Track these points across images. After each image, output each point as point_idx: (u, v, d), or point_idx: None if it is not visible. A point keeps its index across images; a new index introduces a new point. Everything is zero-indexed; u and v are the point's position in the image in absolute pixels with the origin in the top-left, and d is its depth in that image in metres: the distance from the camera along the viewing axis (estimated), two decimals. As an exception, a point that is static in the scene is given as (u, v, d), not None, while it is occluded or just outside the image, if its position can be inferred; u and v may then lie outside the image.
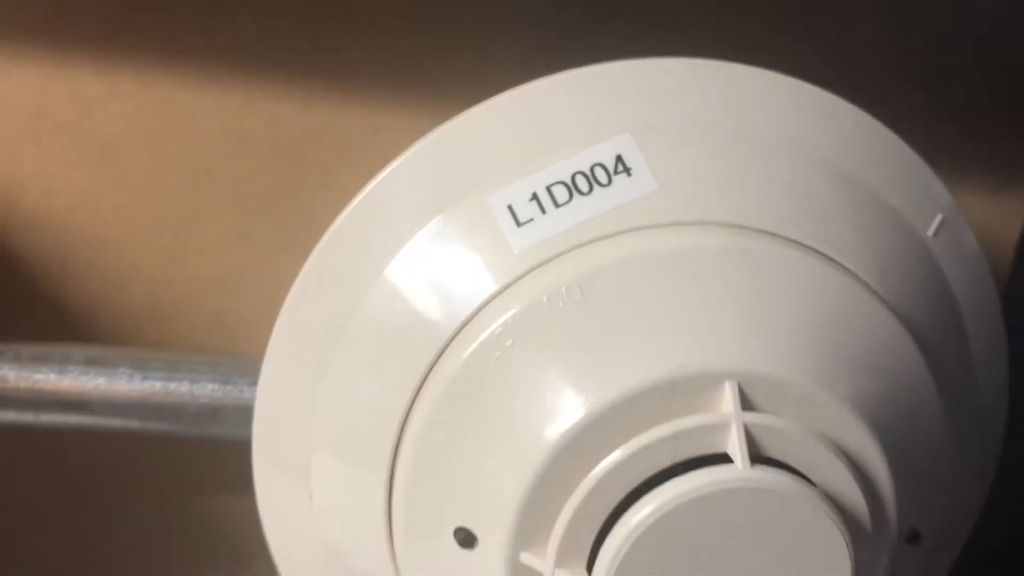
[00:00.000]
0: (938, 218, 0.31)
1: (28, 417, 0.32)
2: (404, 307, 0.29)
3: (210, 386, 0.33)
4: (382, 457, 0.29)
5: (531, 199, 0.28)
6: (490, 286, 0.27)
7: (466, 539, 0.27)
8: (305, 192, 0.36)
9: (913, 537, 0.29)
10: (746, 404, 0.25)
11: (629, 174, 0.28)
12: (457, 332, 0.28)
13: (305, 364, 0.30)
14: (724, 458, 0.25)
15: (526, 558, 0.26)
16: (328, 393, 0.30)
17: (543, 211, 0.28)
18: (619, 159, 0.28)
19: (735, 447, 0.25)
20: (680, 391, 0.25)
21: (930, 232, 0.31)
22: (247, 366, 0.33)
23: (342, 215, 0.30)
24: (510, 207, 0.28)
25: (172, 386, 0.33)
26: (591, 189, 0.28)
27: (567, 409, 0.25)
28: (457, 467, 0.27)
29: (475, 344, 0.27)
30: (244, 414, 0.33)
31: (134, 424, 0.33)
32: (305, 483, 0.31)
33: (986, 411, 0.32)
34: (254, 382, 0.32)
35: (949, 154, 0.33)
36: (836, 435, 0.26)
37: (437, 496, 0.28)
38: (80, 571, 0.39)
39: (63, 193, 0.35)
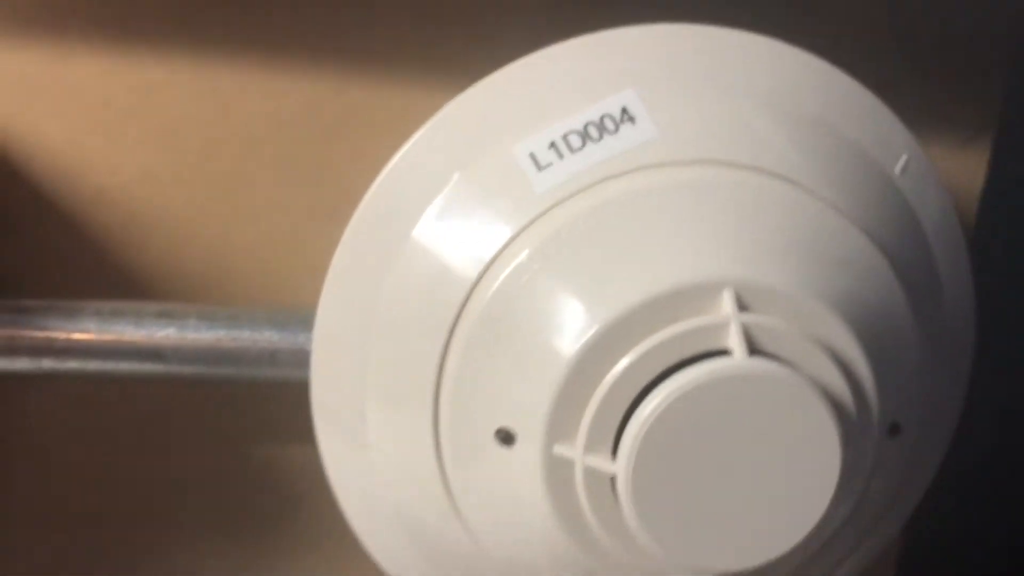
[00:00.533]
0: (903, 158, 0.35)
1: (109, 366, 0.36)
2: (432, 261, 0.33)
3: (268, 332, 0.37)
4: (429, 379, 0.33)
5: (550, 147, 0.32)
6: (518, 222, 0.31)
7: (506, 438, 0.31)
8: (342, 164, 0.40)
9: (894, 429, 0.33)
10: (742, 307, 0.30)
11: (633, 123, 0.32)
12: (488, 267, 0.32)
13: (353, 316, 0.34)
14: (725, 353, 0.29)
15: (559, 449, 0.30)
16: (375, 341, 0.34)
17: (560, 156, 0.32)
18: (624, 110, 0.32)
19: (734, 342, 0.29)
20: (685, 298, 0.29)
21: (897, 170, 0.35)
22: (300, 315, 0.37)
23: (375, 182, 0.34)
24: (532, 154, 0.32)
25: (235, 333, 0.37)
26: (601, 136, 0.32)
27: (588, 319, 0.30)
28: (494, 380, 0.31)
29: (507, 271, 0.31)
30: (299, 356, 0.37)
31: (201, 369, 0.37)
32: (361, 425, 0.35)
33: (955, 326, 0.37)
34: (307, 328, 0.36)
35: (915, 112, 0.37)
36: (821, 334, 0.30)
37: (478, 409, 0.32)
38: (140, 513, 0.43)
39: (126, 170, 0.39)
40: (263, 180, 0.40)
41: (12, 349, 0.36)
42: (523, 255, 0.31)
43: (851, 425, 0.30)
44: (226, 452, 0.43)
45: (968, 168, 0.45)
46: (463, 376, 0.32)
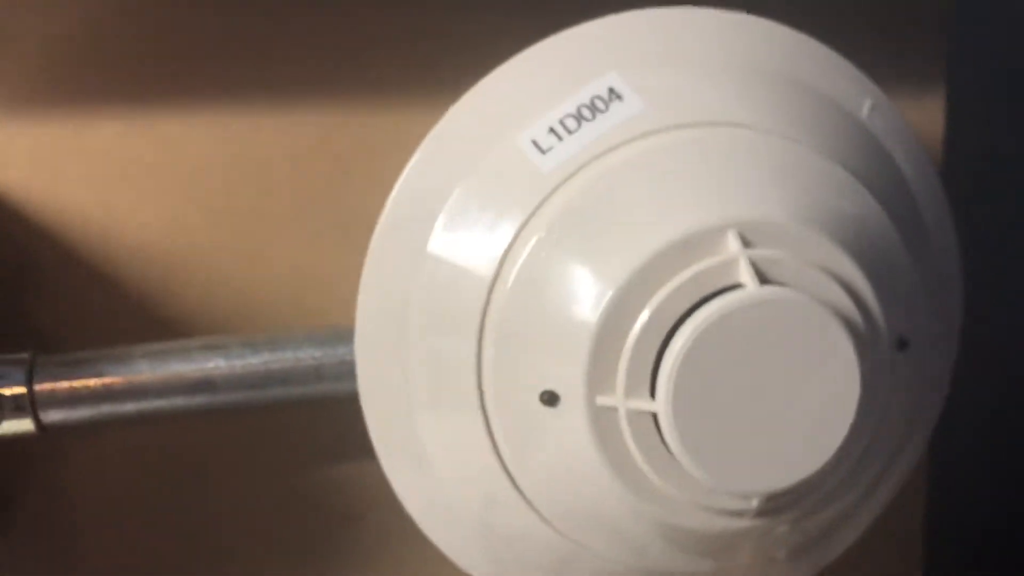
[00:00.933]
0: (868, 103, 0.39)
1: (165, 403, 0.39)
2: (449, 269, 0.36)
3: (309, 350, 0.39)
4: (469, 370, 0.35)
5: (549, 132, 0.35)
6: (531, 203, 0.34)
7: (551, 399, 0.33)
8: (355, 191, 0.43)
9: (902, 344, 0.36)
10: (747, 245, 0.32)
11: (621, 100, 0.35)
12: (507, 251, 0.35)
13: (389, 327, 0.36)
14: (739, 287, 0.32)
15: (601, 400, 0.32)
16: (413, 345, 0.36)
17: (560, 139, 0.35)
18: (611, 90, 0.35)
19: (745, 275, 0.32)
20: (694, 244, 0.32)
21: (864, 113, 0.38)
22: (337, 331, 0.40)
23: (387, 204, 0.37)
24: (534, 141, 0.35)
25: (278, 355, 0.39)
26: (594, 116, 0.35)
27: (609, 277, 0.32)
28: (531, 353, 0.34)
29: (527, 249, 0.34)
30: (342, 368, 0.39)
31: (252, 395, 0.39)
32: (412, 425, 0.37)
33: (939, 253, 0.40)
34: (346, 342, 0.39)
35: (872, 65, 0.40)
36: (820, 260, 0.33)
37: (520, 381, 0.34)
38: (202, 548, 0.45)
39: (155, 221, 0.41)
40: (283, 214, 0.43)
41: (73, 399, 0.38)
42: (541, 231, 0.34)
43: (862, 339, 0.33)
44: (280, 478, 0.45)
45: (928, 114, 0.48)
46: (501, 358, 0.34)
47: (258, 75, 0.41)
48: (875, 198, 0.35)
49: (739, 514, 0.34)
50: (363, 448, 0.44)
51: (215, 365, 0.39)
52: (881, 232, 0.35)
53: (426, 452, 0.38)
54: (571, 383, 0.33)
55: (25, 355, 0.38)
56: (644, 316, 0.32)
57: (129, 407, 0.38)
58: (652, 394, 0.32)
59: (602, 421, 0.33)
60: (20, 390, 0.37)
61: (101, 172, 0.41)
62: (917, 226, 0.38)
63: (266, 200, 0.42)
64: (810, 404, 0.32)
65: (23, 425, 0.38)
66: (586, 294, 0.33)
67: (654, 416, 0.32)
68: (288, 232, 0.43)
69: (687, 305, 0.32)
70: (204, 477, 0.44)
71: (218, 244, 0.42)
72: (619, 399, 0.32)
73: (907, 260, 0.36)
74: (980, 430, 0.56)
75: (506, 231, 0.35)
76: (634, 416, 0.32)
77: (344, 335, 0.39)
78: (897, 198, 0.37)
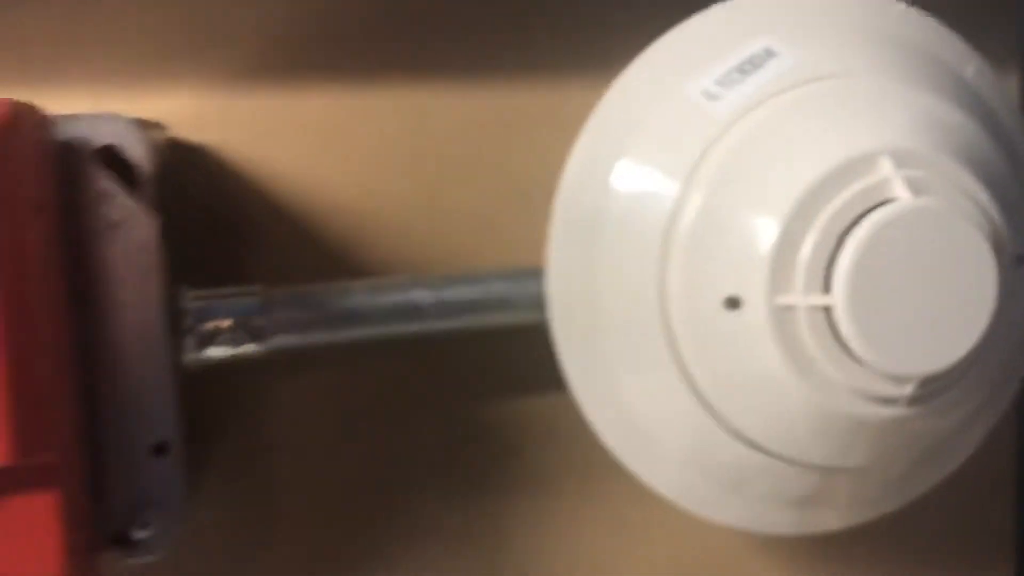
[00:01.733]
0: (972, 67, 0.46)
1: (380, 330, 0.44)
2: (635, 200, 0.42)
3: (501, 285, 0.45)
4: (653, 281, 0.41)
5: (717, 83, 0.42)
6: (708, 138, 0.41)
7: (733, 303, 0.39)
8: (522, 157, 0.49)
9: (1019, 260, 0.42)
10: (900, 167, 0.39)
11: (776, 57, 0.42)
12: (687, 180, 0.41)
13: (577, 262, 0.43)
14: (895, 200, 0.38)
15: (781, 299, 0.38)
16: (599, 279, 0.43)
17: (728, 88, 0.41)
18: (767, 50, 0.42)
19: (900, 190, 0.38)
20: (856, 166, 0.38)
21: (970, 74, 0.45)
22: (523, 269, 0.46)
23: (575, 148, 0.43)
24: (704, 91, 0.41)
25: (474, 287, 0.45)
26: (755, 70, 0.42)
27: (787, 195, 0.38)
28: (714, 263, 0.40)
29: (707, 179, 0.40)
30: (531, 300, 0.45)
31: (454, 323, 0.45)
32: (600, 354, 0.43)
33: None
34: (532, 278, 0.45)
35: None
36: (957, 182, 0.39)
37: (703, 288, 0.40)
38: (389, 479, 0.50)
39: (352, 183, 0.47)
40: (460, 175, 0.49)
41: (300, 326, 0.44)
42: (719, 161, 0.40)
43: (996, 244, 0.39)
44: (449, 415, 0.50)
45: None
46: (687, 271, 0.40)
47: (440, 56, 0.48)
48: (991, 137, 0.42)
49: (894, 401, 0.40)
50: (523, 386, 0.50)
51: (423, 296, 0.44)
52: (998, 166, 0.42)
53: (613, 374, 0.43)
54: (754, 286, 0.39)
55: (257, 287, 0.43)
56: (820, 222, 0.38)
57: (346, 334, 0.44)
58: (825, 291, 0.38)
59: (781, 318, 0.39)
60: (255, 319, 0.43)
61: (307, 139, 0.47)
62: (1018, 167, 0.45)
63: (446, 164, 0.49)
64: (956, 299, 0.38)
65: (249, 350, 0.43)
66: (767, 210, 0.39)
67: (826, 311, 0.38)
68: (464, 191, 0.49)
69: (853, 215, 0.38)
70: (387, 415, 0.50)
71: (405, 202, 0.48)
72: (799, 296, 0.38)
73: (1018, 192, 0.42)
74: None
75: (685, 164, 0.41)
76: (811, 311, 0.38)
77: (529, 272, 0.45)
78: (1002, 143, 0.44)
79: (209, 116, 0.46)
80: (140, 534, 0.37)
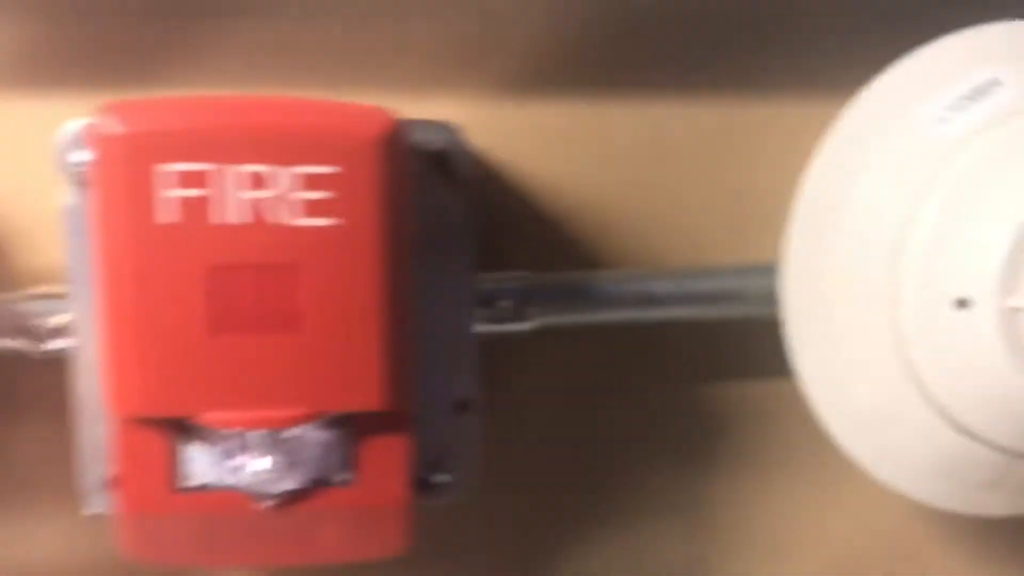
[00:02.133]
0: None
1: (624, 314, 0.50)
2: (869, 208, 0.47)
3: (733, 280, 0.51)
4: (881, 286, 0.46)
5: (948, 108, 0.47)
6: (937, 157, 0.46)
7: (963, 303, 0.44)
8: (748, 168, 0.54)
9: None
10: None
11: (1001, 87, 0.47)
12: (920, 198, 0.46)
13: (812, 264, 0.48)
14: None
15: (1012, 301, 0.43)
16: (830, 279, 0.48)
17: (956, 113, 0.46)
18: (992, 80, 0.47)
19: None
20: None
21: None
22: (754, 266, 0.51)
23: (815, 158, 0.49)
24: (936, 115, 0.47)
25: (708, 281, 0.51)
26: (982, 99, 0.47)
27: (1018, 205, 0.43)
28: (945, 268, 0.45)
29: (940, 193, 0.45)
30: (761, 294, 0.50)
31: (687, 311, 0.50)
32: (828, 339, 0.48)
33: None
34: (764, 276, 0.50)
35: None
36: None
37: (934, 287, 0.45)
38: (617, 448, 0.55)
39: (593, 186, 0.53)
40: (687, 181, 0.54)
41: (558, 308, 0.49)
42: (952, 179, 0.45)
43: None
44: (662, 394, 0.56)
45: None
46: (921, 274, 0.45)
47: (669, 76, 0.53)
48: None
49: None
50: (725, 371, 0.55)
51: (659, 285, 0.50)
52: None
53: (844, 374, 0.48)
54: (984, 289, 0.44)
55: (524, 273, 0.49)
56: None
57: (595, 317, 0.50)
58: (1054, 294, 0.43)
59: (1010, 320, 0.43)
60: (528, 301, 0.49)
61: (555, 146, 0.53)
62: None
63: (675, 170, 0.54)
64: None
65: (521, 327, 0.49)
66: (999, 218, 0.44)
67: (1051, 313, 0.43)
68: (692, 195, 0.54)
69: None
70: (610, 391, 0.55)
71: (637, 207, 0.54)
72: (1027, 300, 0.43)
73: None
74: None
75: (918, 178, 0.46)
76: (1037, 313, 0.43)
77: (759, 269, 0.50)
78: None
79: (475, 122, 0.52)
80: (441, 478, 0.43)
